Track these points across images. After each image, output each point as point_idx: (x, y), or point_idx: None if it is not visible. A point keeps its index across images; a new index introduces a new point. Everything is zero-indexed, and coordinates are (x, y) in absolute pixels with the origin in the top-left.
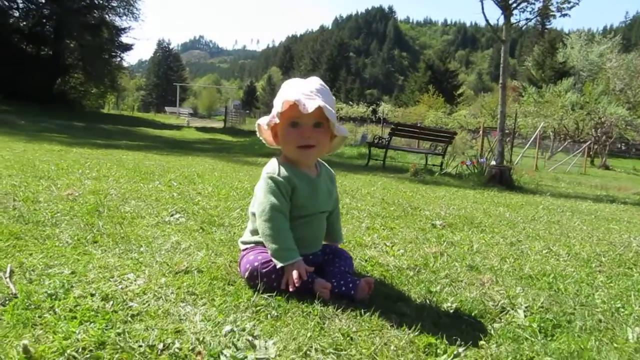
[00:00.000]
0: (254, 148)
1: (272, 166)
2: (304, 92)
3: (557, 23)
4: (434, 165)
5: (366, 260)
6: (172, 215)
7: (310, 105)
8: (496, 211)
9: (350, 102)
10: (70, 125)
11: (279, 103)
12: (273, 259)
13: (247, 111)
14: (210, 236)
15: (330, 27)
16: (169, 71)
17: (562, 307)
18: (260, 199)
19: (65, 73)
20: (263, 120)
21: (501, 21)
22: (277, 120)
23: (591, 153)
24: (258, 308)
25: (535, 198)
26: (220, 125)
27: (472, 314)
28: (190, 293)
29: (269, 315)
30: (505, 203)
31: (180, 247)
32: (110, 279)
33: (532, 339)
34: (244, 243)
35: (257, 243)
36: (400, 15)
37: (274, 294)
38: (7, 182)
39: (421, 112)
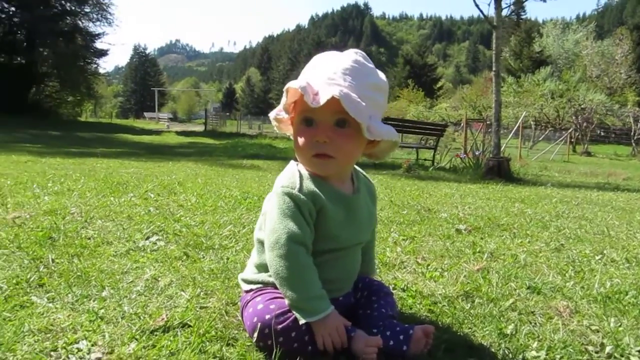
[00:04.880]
0: (237, 150)
1: (289, 176)
2: (327, 74)
3: (532, 13)
4: (425, 159)
5: (403, 289)
6: (147, 239)
7: (322, 94)
8: (514, 208)
9: None
10: (45, 134)
11: (284, 90)
12: (293, 312)
13: (227, 113)
14: (197, 266)
15: (306, 26)
16: (147, 76)
17: None
18: (274, 224)
19: (39, 82)
20: (272, 113)
21: (492, 7)
22: (285, 115)
23: (573, 140)
24: None
25: (542, 190)
26: (200, 128)
27: None
28: None
29: None
30: (519, 198)
31: (157, 287)
32: (52, 353)
33: None
34: (247, 282)
35: (266, 283)
36: (376, 12)
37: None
38: None
39: (402, 107)
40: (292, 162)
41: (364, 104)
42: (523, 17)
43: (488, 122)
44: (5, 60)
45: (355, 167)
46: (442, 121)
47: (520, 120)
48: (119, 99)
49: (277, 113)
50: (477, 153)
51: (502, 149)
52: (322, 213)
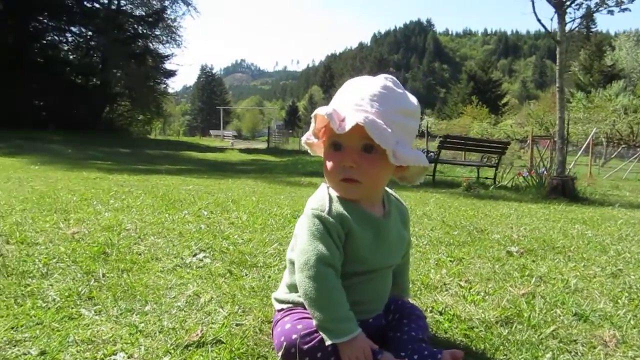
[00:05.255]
0: (296, 167)
1: (319, 199)
2: (355, 100)
3: (603, 25)
4: (486, 178)
5: (440, 313)
6: (194, 255)
7: (348, 121)
8: (574, 230)
9: None
10: (116, 151)
11: (312, 116)
12: (320, 332)
13: (290, 131)
14: (238, 283)
15: (369, 44)
16: (213, 95)
17: None
18: (303, 246)
19: (112, 101)
20: (303, 138)
21: (555, 21)
22: (314, 140)
23: None
24: None
25: (608, 210)
26: (263, 145)
27: None
28: None
29: None
30: (580, 219)
31: (198, 303)
32: None
33: None
34: (279, 301)
35: (296, 304)
36: (439, 28)
37: None
38: (12, 220)
39: (465, 124)
40: (323, 185)
41: (389, 130)
42: (593, 29)
43: (555, 139)
44: (83, 82)
45: (387, 189)
46: (507, 138)
47: (590, 137)
48: (187, 117)
49: (307, 138)
50: (540, 171)
51: (570, 166)
52: (350, 235)
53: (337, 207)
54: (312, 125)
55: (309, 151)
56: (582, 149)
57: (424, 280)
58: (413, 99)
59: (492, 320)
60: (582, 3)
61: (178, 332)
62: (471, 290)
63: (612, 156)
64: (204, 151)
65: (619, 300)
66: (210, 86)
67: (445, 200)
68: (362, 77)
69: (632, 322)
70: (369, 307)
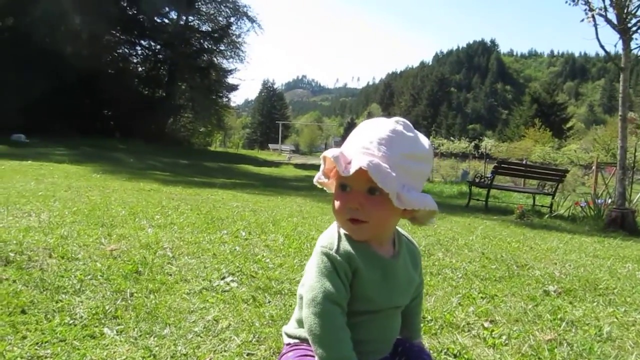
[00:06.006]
0: None
1: (329, 237)
2: (363, 143)
3: None
4: (542, 205)
5: (455, 356)
6: (222, 279)
7: (353, 164)
8: (624, 269)
9: (452, 138)
10: (175, 163)
11: (321, 157)
12: None
13: None
14: (259, 310)
15: (430, 63)
16: (273, 110)
17: None
18: (312, 282)
19: (176, 113)
20: (315, 178)
21: (619, 47)
22: (325, 180)
23: None
24: None
25: None
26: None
27: None
28: None
29: None
30: (635, 257)
31: (215, 329)
32: None
33: None
34: (288, 336)
35: (303, 339)
36: (503, 48)
37: None
38: (60, 232)
39: (527, 147)
40: (334, 223)
41: (394, 174)
42: None
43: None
44: (149, 93)
45: (399, 229)
46: (570, 163)
47: None
48: (247, 130)
49: (319, 177)
50: (599, 202)
51: (638, 196)
52: (357, 274)
53: (345, 245)
54: (322, 166)
55: (324, 189)
56: None
57: (448, 318)
58: (425, 142)
59: None
60: None
61: (189, 359)
62: (494, 333)
63: None
64: (261, 165)
65: None
66: (271, 101)
67: (495, 228)
68: (376, 119)
69: None
70: (374, 346)
